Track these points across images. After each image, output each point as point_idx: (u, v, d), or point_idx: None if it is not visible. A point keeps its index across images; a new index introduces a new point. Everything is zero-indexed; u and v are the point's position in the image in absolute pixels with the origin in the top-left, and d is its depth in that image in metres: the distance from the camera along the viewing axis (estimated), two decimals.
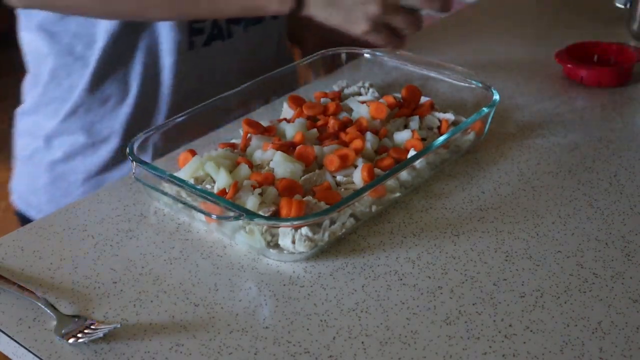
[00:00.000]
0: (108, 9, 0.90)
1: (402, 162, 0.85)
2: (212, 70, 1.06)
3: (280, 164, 0.84)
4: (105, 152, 1.03)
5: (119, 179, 0.92)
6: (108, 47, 0.98)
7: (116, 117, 1.02)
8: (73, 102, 1.01)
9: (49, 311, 0.70)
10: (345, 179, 0.85)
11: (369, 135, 0.90)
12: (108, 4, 0.89)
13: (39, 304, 0.71)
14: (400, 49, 0.94)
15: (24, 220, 1.08)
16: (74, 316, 0.70)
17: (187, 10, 0.90)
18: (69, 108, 1.02)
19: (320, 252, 0.78)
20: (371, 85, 1.05)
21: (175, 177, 0.81)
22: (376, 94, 1.03)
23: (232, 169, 0.85)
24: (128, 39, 0.98)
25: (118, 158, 1.04)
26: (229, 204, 0.76)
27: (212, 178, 0.85)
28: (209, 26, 1.02)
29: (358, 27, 0.86)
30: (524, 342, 0.67)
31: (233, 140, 0.94)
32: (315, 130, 0.91)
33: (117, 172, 1.04)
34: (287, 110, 1.00)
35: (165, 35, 0.99)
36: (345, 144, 0.89)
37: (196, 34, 1.01)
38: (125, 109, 1.02)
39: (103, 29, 0.97)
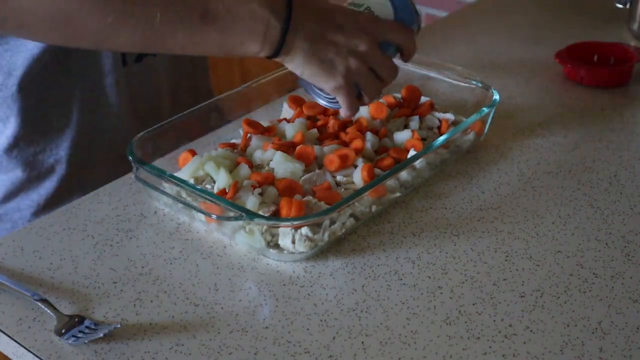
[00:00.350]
0: (66, 30, 0.74)
1: (402, 162, 0.85)
2: (145, 84, 1.02)
3: (280, 164, 0.84)
4: (51, 183, 0.97)
5: (122, 177, 0.91)
6: (33, 74, 0.91)
7: (59, 144, 0.96)
8: (11, 135, 0.94)
9: (49, 311, 0.70)
10: (345, 179, 0.85)
11: (369, 135, 0.90)
12: (68, 25, 0.73)
13: (39, 304, 0.71)
14: (351, 117, 0.85)
15: None
16: (74, 316, 0.70)
17: (158, 44, 0.76)
18: (6, 142, 0.94)
19: (320, 252, 0.78)
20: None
21: (175, 177, 0.81)
22: None
23: (232, 169, 0.85)
24: (59, 63, 0.92)
25: (66, 187, 0.98)
26: (229, 204, 0.76)
27: (212, 178, 0.85)
28: None
29: (332, 81, 0.79)
30: (524, 342, 0.67)
31: (233, 140, 0.94)
32: (315, 130, 0.91)
33: (67, 203, 0.94)
34: (287, 110, 1.00)
35: (100, 54, 0.94)
36: (345, 144, 0.89)
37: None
38: (69, 135, 0.96)
39: (24, 56, 0.90)
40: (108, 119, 0.99)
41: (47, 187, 0.97)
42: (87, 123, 0.97)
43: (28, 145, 0.95)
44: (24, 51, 0.89)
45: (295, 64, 0.79)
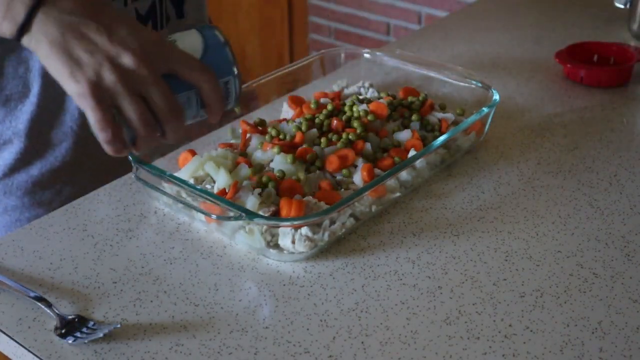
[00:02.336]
0: None
1: (402, 162, 0.85)
2: None
3: (280, 164, 0.84)
4: (8, 154, 0.95)
5: (122, 177, 0.92)
6: None
7: (18, 117, 0.93)
8: None
9: (49, 311, 0.70)
10: (345, 179, 0.85)
11: (369, 135, 0.90)
12: None
13: (39, 304, 0.71)
14: (119, 153, 0.71)
15: None
16: (74, 316, 0.70)
17: None
18: None
19: (320, 252, 0.78)
20: (371, 85, 1.05)
21: (175, 177, 0.81)
22: (376, 94, 1.03)
23: (232, 169, 0.85)
24: None
25: (24, 160, 0.96)
26: (229, 204, 0.76)
27: (212, 178, 0.85)
28: None
29: (74, 84, 0.66)
30: (524, 342, 0.67)
31: (233, 140, 0.94)
32: (315, 130, 0.91)
33: (25, 175, 0.96)
34: (287, 110, 1.00)
35: None
36: (347, 144, 0.89)
37: None
38: (28, 108, 0.93)
39: None
40: (70, 98, 0.91)
41: (5, 158, 0.96)
42: (47, 98, 0.94)
43: None
44: None
45: (41, 54, 0.67)
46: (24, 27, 0.66)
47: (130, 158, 0.83)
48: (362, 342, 0.67)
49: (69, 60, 0.66)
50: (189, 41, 0.73)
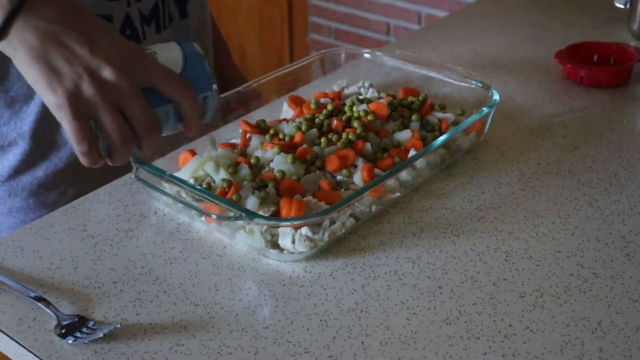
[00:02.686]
0: None
1: (402, 162, 0.85)
2: None
3: (280, 164, 0.84)
4: (13, 156, 0.95)
5: (122, 177, 0.92)
6: None
7: (23, 118, 0.94)
8: None
9: (49, 311, 0.70)
10: (345, 179, 0.85)
11: (369, 135, 0.90)
12: None
13: (39, 304, 0.71)
14: (94, 165, 0.70)
15: None
16: (74, 316, 0.70)
17: None
18: None
19: (320, 252, 0.78)
20: (371, 85, 1.05)
21: (175, 177, 0.81)
22: (376, 94, 1.03)
23: (232, 169, 0.85)
24: None
25: (29, 162, 0.96)
26: (229, 204, 0.76)
27: (212, 178, 0.85)
28: (119, 26, 0.94)
29: (51, 94, 0.64)
30: (524, 342, 0.67)
31: (233, 140, 0.94)
32: (315, 130, 0.91)
33: (30, 177, 0.97)
34: (287, 110, 1.00)
35: None
36: (347, 144, 0.89)
37: None
38: (33, 109, 0.93)
39: None
40: None
41: (10, 159, 0.96)
42: None
43: None
44: None
45: (18, 62, 0.65)
46: (1, 33, 0.64)
47: (130, 158, 0.83)
48: (362, 342, 0.67)
49: (48, 70, 0.65)
50: (170, 55, 0.72)
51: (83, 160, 0.69)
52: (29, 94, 0.93)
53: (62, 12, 0.66)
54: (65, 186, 0.98)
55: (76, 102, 0.65)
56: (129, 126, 0.69)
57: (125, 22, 0.93)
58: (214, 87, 0.73)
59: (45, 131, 0.95)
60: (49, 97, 0.65)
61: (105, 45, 0.67)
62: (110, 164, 0.72)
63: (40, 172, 0.97)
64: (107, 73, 0.66)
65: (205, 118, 0.75)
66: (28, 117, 0.94)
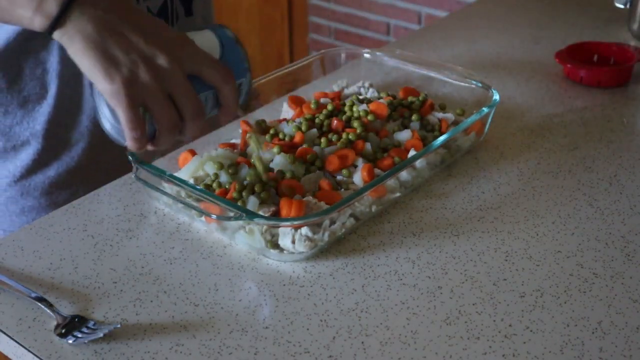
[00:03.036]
0: None
1: (402, 162, 0.85)
2: None
3: (280, 164, 0.84)
4: (26, 155, 0.96)
5: (122, 177, 0.92)
6: (13, 47, 0.90)
7: (36, 118, 0.95)
8: None
9: (49, 311, 0.70)
10: (345, 179, 0.85)
11: (369, 135, 0.90)
12: None
13: (39, 304, 0.71)
14: (140, 149, 0.71)
15: None
16: (74, 316, 0.70)
17: None
18: None
19: (320, 252, 0.78)
20: (371, 85, 1.05)
21: (175, 177, 0.81)
22: (376, 94, 1.03)
23: (232, 169, 0.85)
24: (39, 39, 0.91)
25: (41, 161, 0.97)
26: (229, 204, 0.76)
27: (212, 177, 0.85)
28: None
29: (109, 82, 0.66)
30: (524, 342, 0.67)
31: (233, 140, 0.94)
32: (315, 130, 0.91)
33: (42, 176, 0.98)
34: (287, 110, 1.00)
35: None
36: (347, 144, 0.89)
37: None
38: (45, 109, 0.95)
39: (6, 29, 0.89)
40: (87, 98, 0.97)
41: (23, 159, 0.97)
42: (64, 99, 0.95)
43: (5, 116, 0.95)
44: (7, 25, 0.87)
45: (73, 50, 0.67)
46: (57, 22, 0.66)
47: (130, 158, 0.83)
48: (362, 342, 0.67)
49: (105, 58, 0.66)
50: (207, 42, 0.73)
51: (133, 145, 0.70)
52: (42, 93, 0.94)
53: (115, 4, 0.68)
54: (77, 185, 0.99)
55: (132, 89, 0.66)
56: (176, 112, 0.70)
57: None
58: (250, 73, 0.75)
59: (57, 131, 0.96)
60: (105, 84, 0.66)
61: (157, 35, 0.69)
62: (151, 148, 0.73)
63: (52, 171, 0.98)
64: (160, 61, 0.67)
65: (240, 102, 0.76)
66: (40, 116, 0.95)
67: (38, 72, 0.93)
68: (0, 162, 0.97)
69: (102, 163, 0.99)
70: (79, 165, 0.98)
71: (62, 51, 0.93)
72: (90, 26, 0.66)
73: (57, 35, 0.67)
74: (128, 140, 0.70)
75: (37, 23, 0.66)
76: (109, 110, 0.70)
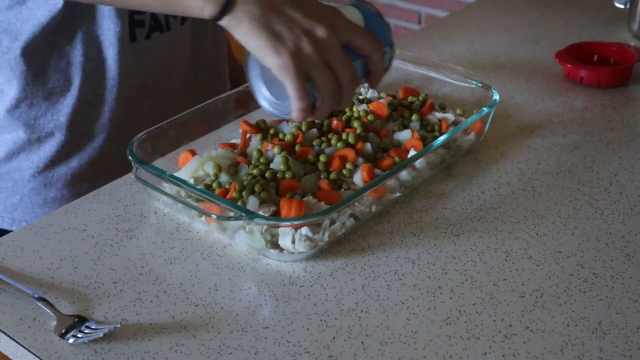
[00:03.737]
0: None
1: (402, 162, 0.85)
2: (154, 63, 1.03)
3: (280, 164, 0.84)
4: (50, 147, 0.99)
5: (122, 177, 0.92)
6: (37, 40, 0.94)
7: (60, 110, 0.98)
8: (13, 97, 0.97)
9: (49, 311, 0.70)
10: (345, 179, 0.85)
11: (369, 135, 0.90)
12: None
13: (39, 304, 0.71)
14: (310, 119, 0.77)
15: None
16: (74, 316, 0.70)
17: None
18: (9, 103, 0.97)
19: (320, 252, 0.78)
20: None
21: (175, 177, 0.81)
22: (376, 94, 1.03)
23: (232, 169, 0.85)
24: (64, 31, 0.95)
25: (65, 153, 1.00)
26: (229, 204, 0.76)
27: (212, 177, 0.85)
28: (148, 18, 0.99)
29: (277, 57, 0.70)
30: (524, 342, 0.67)
31: (233, 140, 0.94)
32: (315, 130, 0.91)
33: (66, 167, 1.01)
34: None
35: (106, 26, 0.96)
36: (347, 144, 0.89)
37: (137, 25, 0.99)
38: (69, 101, 0.98)
39: (32, 23, 0.93)
40: (109, 90, 1.00)
41: (47, 150, 1.00)
42: (88, 91, 0.98)
43: (30, 108, 0.98)
44: (33, 18, 0.92)
45: (241, 32, 0.71)
46: (227, 8, 0.70)
47: (130, 158, 0.83)
48: (362, 342, 0.67)
49: (271, 35, 0.70)
50: (351, 14, 0.77)
51: (299, 115, 0.73)
52: (66, 86, 0.97)
53: None
54: (98, 176, 1.01)
55: (298, 62, 0.70)
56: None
57: (152, 13, 0.99)
58: (392, 42, 0.78)
59: (80, 123, 0.99)
60: (274, 59, 0.70)
61: (312, 8, 0.73)
62: (310, 119, 0.79)
63: (74, 162, 1.01)
64: (319, 32, 0.71)
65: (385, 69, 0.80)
66: (65, 108, 0.98)
67: (62, 65, 0.96)
68: (24, 154, 1.00)
69: (122, 154, 1.01)
70: (99, 157, 1.02)
71: (85, 45, 0.96)
72: (255, 7, 0.70)
73: (225, 20, 0.71)
74: (295, 111, 0.73)
75: (207, 11, 0.71)
76: (267, 89, 0.75)
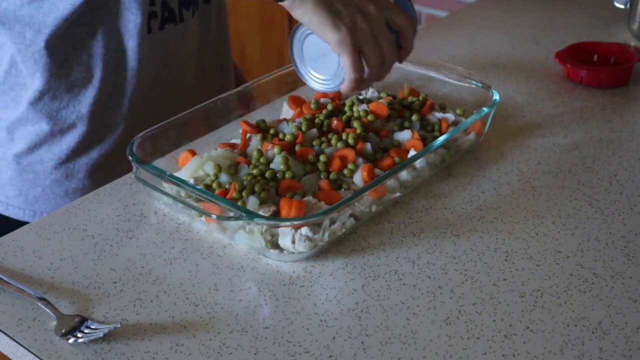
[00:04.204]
0: None
1: (402, 162, 0.85)
2: (168, 54, 1.05)
3: (280, 165, 0.84)
4: (72, 138, 1.01)
5: (122, 177, 0.92)
6: (60, 33, 0.95)
7: (82, 101, 1.00)
8: (36, 89, 0.98)
9: (49, 311, 0.70)
10: (345, 179, 0.85)
11: (369, 135, 0.90)
12: None
13: (39, 304, 0.71)
14: (357, 90, 0.85)
15: None
16: (74, 316, 0.70)
17: None
18: (32, 95, 0.99)
19: (320, 252, 0.78)
20: (371, 85, 1.05)
21: (175, 177, 0.81)
22: (376, 94, 1.03)
23: (232, 169, 0.85)
24: (85, 24, 0.96)
25: (86, 143, 1.02)
26: (229, 204, 0.76)
27: (212, 177, 0.85)
28: (160, 9, 1.01)
29: (337, 32, 0.78)
30: (524, 342, 0.67)
31: (233, 140, 0.94)
32: (315, 130, 0.91)
33: (87, 158, 1.03)
34: (287, 110, 1.00)
35: (127, 18, 0.98)
36: (347, 144, 0.89)
37: (151, 17, 1.01)
38: (91, 92, 1.00)
39: (54, 16, 0.94)
40: (129, 81, 1.02)
41: (68, 142, 1.01)
42: (108, 83, 1.00)
43: (52, 100, 0.99)
44: (55, 12, 0.94)
45: (304, 10, 0.79)
46: None
47: (130, 158, 0.83)
48: (362, 342, 0.67)
49: (331, 12, 0.78)
50: None
51: (351, 86, 0.82)
52: (87, 78, 0.99)
53: None
54: (116, 167, 1.02)
55: (354, 37, 0.78)
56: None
57: (163, 5, 1.01)
58: (416, 20, 0.87)
59: (101, 114, 1.01)
60: (334, 34, 0.78)
61: None
62: (357, 90, 0.85)
63: (95, 153, 1.03)
64: (370, 9, 0.80)
65: None
66: (86, 100, 1.00)
67: (84, 57, 0.98)
68: (46, 145, 1.01)
69: None
70: (117, 148, 1.03)
71: (106, 37, 0.98)
72: None
73: (287, 2, 0.79)
74: (348, 81, 0.81)
75: None
76: (315, 70, 0.85)
